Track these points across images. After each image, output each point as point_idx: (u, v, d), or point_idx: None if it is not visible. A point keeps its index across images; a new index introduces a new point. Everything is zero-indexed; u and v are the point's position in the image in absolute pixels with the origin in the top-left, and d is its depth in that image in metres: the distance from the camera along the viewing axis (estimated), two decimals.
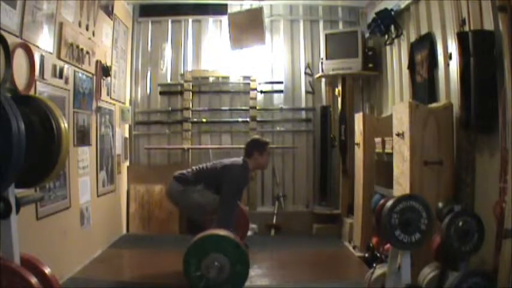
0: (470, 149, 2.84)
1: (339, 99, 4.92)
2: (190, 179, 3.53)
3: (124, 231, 4.86)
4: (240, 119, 5.12)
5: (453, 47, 3.04)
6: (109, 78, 4.20)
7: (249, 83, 5.15)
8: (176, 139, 5.14)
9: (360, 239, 4.04)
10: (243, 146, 4.93)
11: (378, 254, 2.89)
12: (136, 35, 5.22)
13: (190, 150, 5.08)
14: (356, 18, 5.22)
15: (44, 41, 2.90)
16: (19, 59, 2.57)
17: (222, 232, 3.07)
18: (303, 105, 5.24)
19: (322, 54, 4.92)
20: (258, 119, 5.12)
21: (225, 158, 3.85)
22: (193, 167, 3.74)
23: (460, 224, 2.38)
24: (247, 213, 4.09)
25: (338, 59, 4.77)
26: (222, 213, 3.38)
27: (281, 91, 5.19)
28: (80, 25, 3.50)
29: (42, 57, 2.86)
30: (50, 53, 3.00)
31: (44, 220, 2.89)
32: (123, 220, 4.86)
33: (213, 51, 5.19)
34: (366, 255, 3.65)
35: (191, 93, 5.14)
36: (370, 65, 4.73)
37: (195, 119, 5.12)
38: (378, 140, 3.70)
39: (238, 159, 3.67)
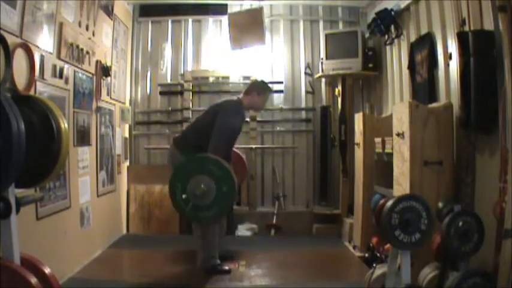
0: (470, 149, 2.84)
1: (339, 99, 4.91)
2: (188, 142, 3.45)
3: (124, 231, 4.86)
4: None
5: (453, 47, 3.04)
6: (109, 78, 4.20)
7: (249, 83, 5.14)
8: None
9: (360, 239, 4.04)
10: (242, 145, 4.99)
11: (378, 254, 2.89)
12: (136, 35, 5.22)
13: None
14: (356, 18, 5.22)
15: (44, 41, 2.91)
16: (19, 59, 2.57)
17: (204, 154, 3.01)
18: (303, 105, 5.23)
19: (322, 54, 4.91)
20: (258, 119, 5.12)
21: None
22: (189, 124, 3.78)
23: (460, 224, 2.38)
24: (245, 159, 4.00)
25: (338, 59, 4.77)
26: (213, 146, 3.22)
27: (281, 91, 5.19)
28: (80, 25, 3.50)
29: (42, 57, 2.86)
30: (50, 53, 3.00)
31: (44, 220, 2.89)
32: (123, 220, 4.86)
33: (213, 51, 5.19)
34: (366, 255, 3.65)
35: (191, 93, 5.14)
36: (370, 65, 4.73)
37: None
38: (378, 140, 3.70)
39: (232, 97, 3.66)
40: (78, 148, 3.52)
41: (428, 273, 2.62)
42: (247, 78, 5.14)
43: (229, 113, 3.39)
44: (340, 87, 4.89)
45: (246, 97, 3.58)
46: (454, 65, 3.01)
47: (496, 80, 2.51)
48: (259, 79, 3.74)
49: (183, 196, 2.82)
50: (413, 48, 3.73)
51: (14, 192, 1.77)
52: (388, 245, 2.60)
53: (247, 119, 5.07)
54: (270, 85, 3.75)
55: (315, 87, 5.23)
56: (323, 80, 5.22)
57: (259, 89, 3.62)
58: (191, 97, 5.14)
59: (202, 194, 2.82)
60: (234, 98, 3.62)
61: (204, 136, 3.33)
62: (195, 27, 5.24)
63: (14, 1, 2.50)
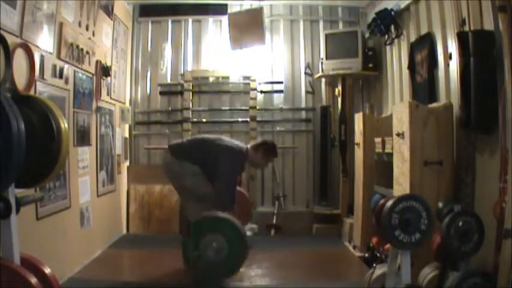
0: (470, 149, 2.84)
1: (339, 99, 4.92)
2: (186, 152, 3.43)
3: (124, 231, 4.86)
4: (240, 119, 5.12)
5: (453, 47, 3.04)
6: (109, 78, 4.20)
7: (249, 83, 5.15)
8: (176, 139, 5.13)
9: (360, 239, 4.04)
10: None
11: (378, 254, 2.89)
12: (136, 35, 5.22)
13: None
14: (356, 18, 5.22)
15: (44, 41, 2.91)
16: (19, 59, 2.57)
17: (220, 213, 3.06)
18: (303, 105, 5.24)
19: (322, 54, 4.92)
20: (258, 119, 5.12)
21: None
22: (190, 138, 3.74)
23: (460, 224, 2.38)
24: (248, 200, 4.03)
25: (338, 59, 4.77)
26: (220, 196, 3.27)
27: (281, 91, 5.19)
28: (80, 25, 3.50)
29: (42, 57, 2.86)
30: (50, 53, 3.00)
31: (44, 220, 2.89)
32: (123, 220, 4.86)
33: (213, 51, 5.19)
34: (366, 255, 3.65)
35: (191, 93, 5.14)
36: (370, 65, 4.73)
37: (195, 119, 5.12)
38: (378, 140, 3.70)
39: (242, 144, 3.60)
40: (78, 148, 3.52)
41: (428, 273, 2.62)
42: (247, 78, 5.15)
43: (232, 164, 3.39)
44: (340, 87, 4.90)
45: (253, 152, 3.52)
46: (454, 65, 3.01)
47: (496, 80, 2.51)
48: (271, 142, 3.69)
49: (195, 253, 2.87)
50: (413, 48, 3.73)
51: (14, 192, 1.77)
52: (388, 245, 2.60)
53: (247, 119, 5.09)
54: (277, 151, 3.70)
55: (315, 87, 5.23)
56: (323, 80, 5.22)
57: (267, 152, 3.55)
58: (191, 97, 5.13)
59: (214, 253, 2.88)
60: (244, 146, 3.55)
61: (199, 161, 3.36)
62: (195, 27, 5.24)
63: (14, 1, 2.50)
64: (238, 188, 3.85)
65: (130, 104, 5.13)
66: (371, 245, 3.40)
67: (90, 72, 3.74)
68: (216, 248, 2.89)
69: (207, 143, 3.52)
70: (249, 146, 3.58)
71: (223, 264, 2.91)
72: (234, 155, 3.43)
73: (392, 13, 4.07)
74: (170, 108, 5.16)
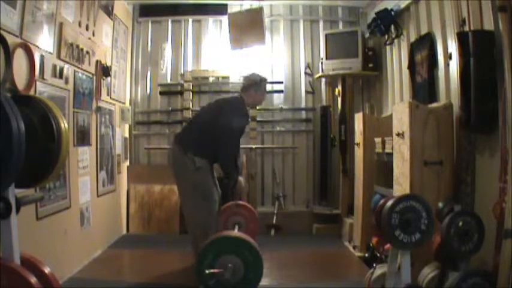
0: (470, 149, 2.84)
1: (339, 99, 4.92)
2: (189, 138, 3.30)
3: (124, 231, 4.86)
4: None
5: (453, 47, 3.04)
6: (109, 78, 4.20)
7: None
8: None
9: (360, 239, 4.04)
10: (243, 146, 4.97)
11: (378, 254, 2.89)
12: (137, 35, 5.22)
13: None
14: (356, 18, 5.22)
15: (44, 41, 2.91)
16: (19, 59, 2.57)
17: (241, 235, 3.07)
18: (303, 105, 5.24)
19: (322, 54, 4.92)
20: (257, 119, 5.12)
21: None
22: (190, 119, 3.82)
23: (460, 224, 2.38)
24: (257, 218, 4.02)
25: (338, 59, 4.77)
26: (223, 152, 3.18)
27: (281, 91, 5.19)
28: (80, 25, 3.51)
29: (42, 57, 2.86)
30: (50, 53, 3.00)
31: (44, 220, 2.89)
32: (123, 220, 4.86)
33: (213, 51, 5.19)
34: (366, 255, 3.65)
35: (191, 93, 5.14)
36: (370, 65, 4.73)
37: None
38: (378, 140, 3.70)
39: (234, 95, 3.54)
40: (78, 148, 3.52)
41: (428, 273, 2.62)
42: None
43: (233, 113, 3.25)
44: (340, 87, 4.90)
45: (245, 94, 3.39)
46: (454, 65, 3.01)
47: (496, 80, 2.51)
48: (251, 73, 3.50)
49: (208, 271, 2.86)
50: (413, 48, 3.73)
51: (14, 192, 1.77)
52: (388, 245, 2.60)
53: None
54: (264, 76, 3.54)
55: (315, 87, 5.23)
56: (323, 80, 5.22)
57: (255, 86, 3.40)
58: (191, 97, 5.14)
59: (229, 274, 2.87)
60: (236, 95, 3.48)
61: (209, 131, 3.22)
62: (195, 27, 5.24)
63: (14, 1, 2.50)
64: (247, 204, 3.84)
65: (130, 104, 5.13)
66: (371, 245, 3.39)
67: (90, 72, 3.74)
68: (232, 268, 2.86)
69: (206, 112, 3.47)
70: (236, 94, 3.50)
71: (238, 286, 2.87)
72: (234, 108, 3.30)
73: (392, 13, 4.07)
74: (170, 108, 5.16)
